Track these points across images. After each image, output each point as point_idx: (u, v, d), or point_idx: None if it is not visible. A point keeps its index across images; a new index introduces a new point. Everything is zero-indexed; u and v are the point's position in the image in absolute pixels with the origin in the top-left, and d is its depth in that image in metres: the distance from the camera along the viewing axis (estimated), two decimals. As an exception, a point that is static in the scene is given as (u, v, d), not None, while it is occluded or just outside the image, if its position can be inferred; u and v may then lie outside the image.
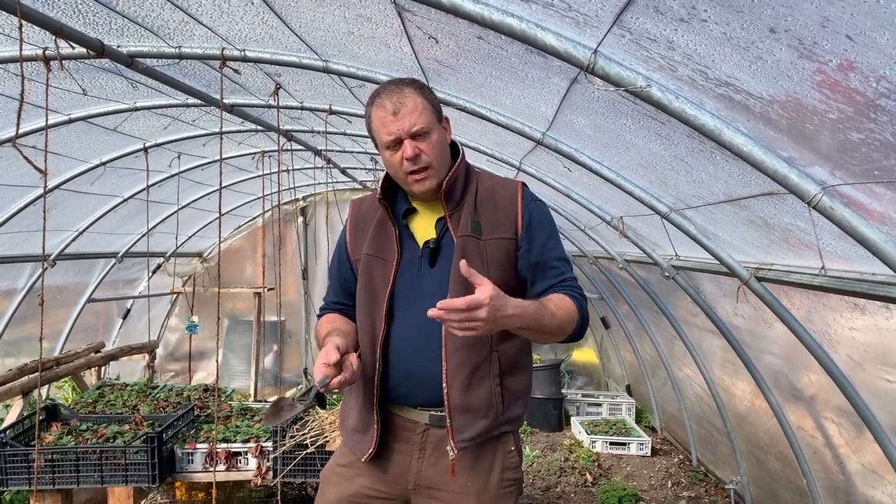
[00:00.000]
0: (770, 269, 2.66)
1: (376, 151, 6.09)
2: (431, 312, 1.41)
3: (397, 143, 1.71)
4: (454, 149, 1.87)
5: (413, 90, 1.73)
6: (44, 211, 2.52)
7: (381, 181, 1.89)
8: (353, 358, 1.70)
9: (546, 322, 1.60)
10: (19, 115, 1.91)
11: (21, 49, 1.89)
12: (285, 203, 7.79)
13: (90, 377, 5.22)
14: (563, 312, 1.66)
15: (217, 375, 3.14)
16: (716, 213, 2.67)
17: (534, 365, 3.27)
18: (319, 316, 2.05)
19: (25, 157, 1.89)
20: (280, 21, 2.43)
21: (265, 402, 5.78)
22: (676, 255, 3.66)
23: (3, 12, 2.10)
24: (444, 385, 1.73)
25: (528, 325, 1.56)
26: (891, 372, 2.27)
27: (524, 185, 1.87)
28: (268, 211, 7.43)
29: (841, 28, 1.18)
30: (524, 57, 2.14)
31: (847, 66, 1.27)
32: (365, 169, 6.43)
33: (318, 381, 1.59)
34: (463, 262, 1.47)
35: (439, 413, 1.77)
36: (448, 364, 1.73)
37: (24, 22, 1.99)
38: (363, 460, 1.82)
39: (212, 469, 3.45)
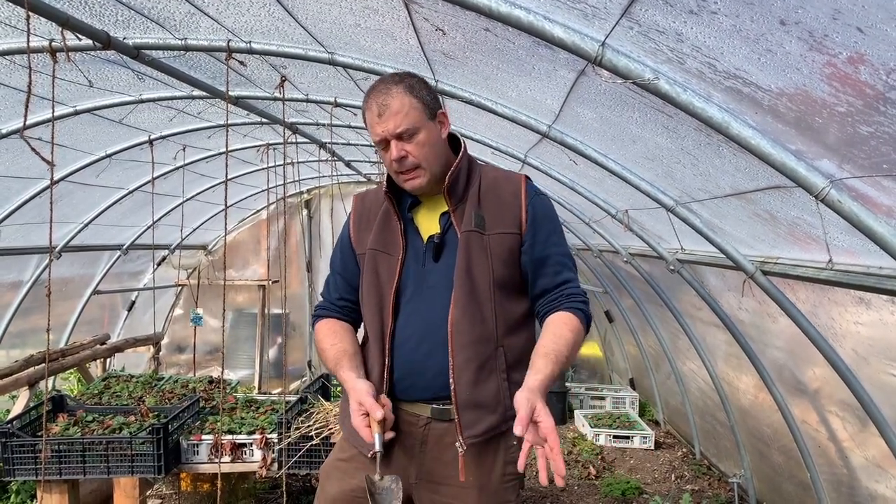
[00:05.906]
0: (776, 263, 2.65)
1: (381, 144, 6.04)
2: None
3: (385, 143, 1.73)
4: (456, 143, 1.86)
5: (401, 89, 1.70)
6: (51, 202, 2.53)
7: (386, 174, 1.89)
8: (385, 400, 1.75)
9: (564, 366, 1.70)
10: (27, 106, 1.91)
11: (28, 41, 1.89)
12: (289, 196, 7.80)
13: (95, 369, 5.26)
14: (573, 343, 1.72)
15: (222, 367, 3.14)
16: (722, 207, 2.67)
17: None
18: (317, 316, 2.00)
19: (33, 149, 1.89)
20: (286, 13, 2.43)
21: (269, 394, 5.80)
22: (682, 248, 3.65)
23: (10, 3, 2.10)
24: (451, 381, 1.72)
25: (557, 377, 1.69)
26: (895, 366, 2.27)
27: (527, 178, 1.87)
28: (272, 204, 7.43)
29: (852, 20, 1.17)
30: (531, 49, 2.13)
31: (857, 59, 1.27)
32: (369, 162, 6.42)
33: (377, 448, 1.65)
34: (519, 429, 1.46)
35: (441, 406, 1.76)
36: (455, 359, 1.73)
37: (31, 14, 1.99)
38: (370, 456, 1.77)
39: (217, 461, 3.46)
